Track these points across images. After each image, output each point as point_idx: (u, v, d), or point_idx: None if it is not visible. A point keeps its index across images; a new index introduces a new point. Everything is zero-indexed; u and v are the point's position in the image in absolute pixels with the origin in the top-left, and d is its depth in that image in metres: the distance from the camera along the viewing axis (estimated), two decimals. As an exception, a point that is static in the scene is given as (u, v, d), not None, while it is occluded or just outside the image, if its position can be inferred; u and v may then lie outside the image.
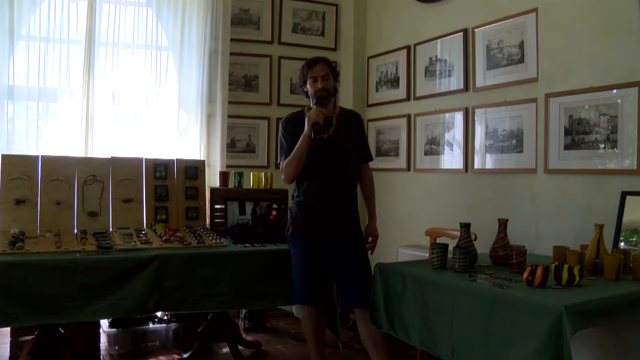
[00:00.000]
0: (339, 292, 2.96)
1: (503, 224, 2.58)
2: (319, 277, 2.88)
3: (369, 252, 3.00)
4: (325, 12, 4.77)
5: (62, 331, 3.03)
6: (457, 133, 3.75)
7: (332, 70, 2.89)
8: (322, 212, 2.84)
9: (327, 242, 2.84)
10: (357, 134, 2.98)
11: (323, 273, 2.89)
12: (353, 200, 2.94)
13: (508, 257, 2.42)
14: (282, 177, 2.89)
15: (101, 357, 3.37)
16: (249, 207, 3.46)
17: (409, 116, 4.19)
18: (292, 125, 2.88)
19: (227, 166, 4.21)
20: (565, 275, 2.05)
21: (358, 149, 2.97)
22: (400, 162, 4.26)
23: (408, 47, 4.23)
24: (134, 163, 3.35)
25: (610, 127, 2.71)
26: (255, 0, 4.50)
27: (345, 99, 4.70)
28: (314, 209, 2.85)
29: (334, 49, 4.77)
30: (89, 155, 3.78)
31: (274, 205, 3.49)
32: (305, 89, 2.91)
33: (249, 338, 3.79)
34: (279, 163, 2.93)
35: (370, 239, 3.01)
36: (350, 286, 2.82)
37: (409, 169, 4.17)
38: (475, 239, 2.66)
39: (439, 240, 3.19)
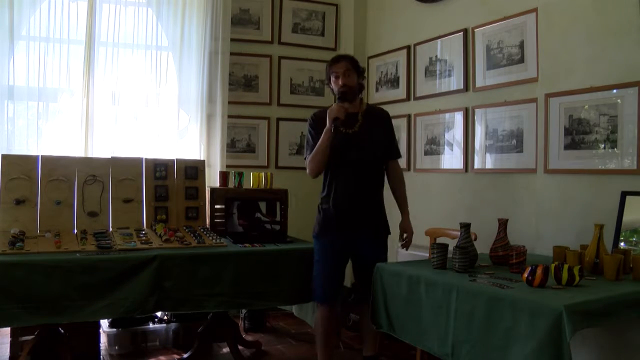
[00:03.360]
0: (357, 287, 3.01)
1: (503, 224, 2.59)
2: (339, 275, 2.92)
3: (404, 249, 3.01)
4: (325, 12, 4.77)
5: (62, 331, 3.03)
6: (457, 133, 3.75)
7: (355, 67, 2.91)
8: (345, 207, 2.86)
9: (350, 237, 2.87)
10: (383, 131, 2.96)
11: (343, 272, 2.94)
12: (377, 196, 2.95)
13: (508, 257, 2.42)
14: (307, 171, 2.93)
15: (101, 357, 3.37)
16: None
17: (409, 116, 4.19)
18: (318, 121, 2.91)
19: (227, 166, 4.21)
20: (565, 275, 2.05)
21: (384, 146, 2.96)
22: (400, 162, 4.18)
23: (408, 47, 4.23)
24: (134, 163, 3.35)
25: (610, 127, 2.71)
26: (255, 0, 4.50)
27: (345, 99, 4.70)
28: (337, 204, 2.86)
29: (334, 49, 4.76)
30: (89, 155, 3.77)
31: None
32: (331, 87, 2.95)
33: (249, 338, 3.79)
34: (305, 158, 2.97)
35: (405, 235, 3.00)
36: (366, 284, 2.77)
37: (409, 169, 4.17)
38: (475, 239, 2.66)
39: (439, 240, 3.19)
